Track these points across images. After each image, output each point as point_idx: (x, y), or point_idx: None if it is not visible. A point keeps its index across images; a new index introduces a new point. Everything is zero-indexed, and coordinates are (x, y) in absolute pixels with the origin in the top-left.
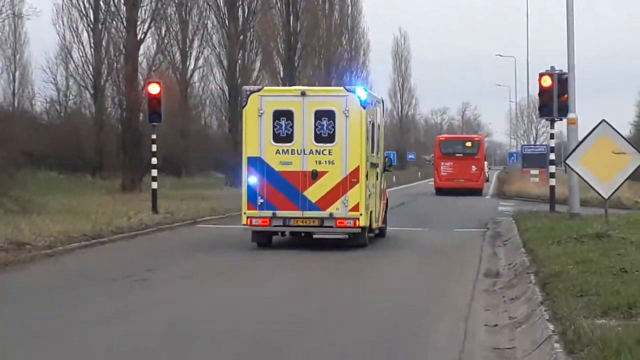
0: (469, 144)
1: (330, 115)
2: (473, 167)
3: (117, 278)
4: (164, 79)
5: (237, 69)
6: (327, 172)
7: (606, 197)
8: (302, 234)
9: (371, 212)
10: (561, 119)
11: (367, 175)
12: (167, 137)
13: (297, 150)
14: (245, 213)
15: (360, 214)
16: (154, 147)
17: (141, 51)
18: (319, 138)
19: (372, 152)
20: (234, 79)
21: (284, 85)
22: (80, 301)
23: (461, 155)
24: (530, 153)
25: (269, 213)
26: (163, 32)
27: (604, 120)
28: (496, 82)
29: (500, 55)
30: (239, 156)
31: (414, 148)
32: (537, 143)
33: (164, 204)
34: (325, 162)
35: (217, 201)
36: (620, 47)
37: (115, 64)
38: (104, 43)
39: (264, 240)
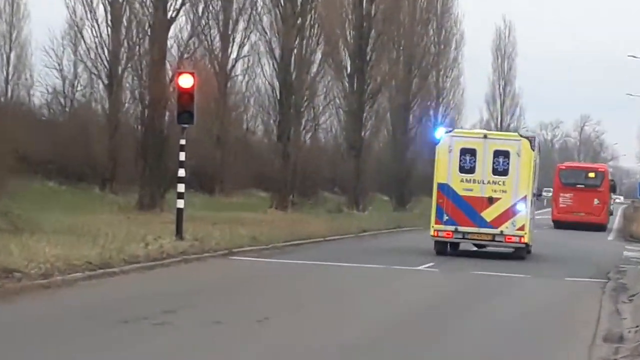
0: (592, 174)
1: (505, 154)
2: (595, 200)
3: (129, 320)
4: (198, 69)
5: (293, 60)
6: (500, 198)
7: None
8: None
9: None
10: None
11: (531, 203)
12: (199, 143)
13: (478, 180)
14: (433, 226)
15: (525, 233)
16: (182, 156)
17: (171, 33)
18: (495, 172)
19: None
20: (287, 72)
21: (350, 82)
22: (77, 348)
23: (583, 186)
24: None
25: (451, 227)
26: (200, 10)
27: None
28: (627, 90)
29: (634, 57)
30: (288, 172)
31: None
32: None
33: (192, 228)
34: (500, 190)
35: (259, 228)
36: None
37: (137, 47)
38: (124, 21)
39: (444, 250)
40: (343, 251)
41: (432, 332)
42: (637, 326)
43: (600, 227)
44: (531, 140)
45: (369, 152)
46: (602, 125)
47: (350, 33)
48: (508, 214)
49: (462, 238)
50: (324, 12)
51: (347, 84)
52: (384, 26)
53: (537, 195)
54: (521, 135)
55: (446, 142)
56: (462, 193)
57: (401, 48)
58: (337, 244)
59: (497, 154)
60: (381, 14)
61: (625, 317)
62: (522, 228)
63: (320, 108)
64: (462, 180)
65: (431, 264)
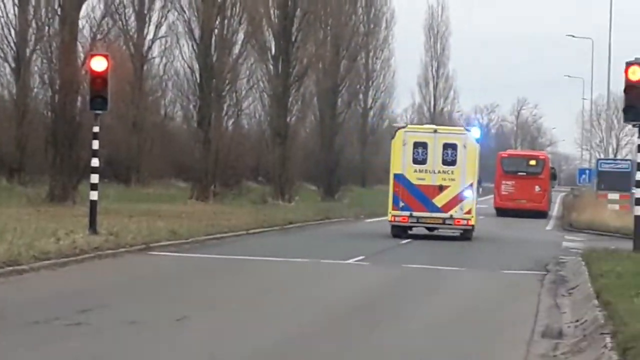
0: (533, 162)
1: (453, 147)
2: (536, 187)
3: (40, 321)
4: (112, 51)
5: (213, 41)
6: (449, 186)
7: None
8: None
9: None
10: None
11: (476, 189)
12: (114, 131)
13: (429, 170)
14: (390, 212)
15: (472, 216)
16: (96, 144)
17: (83, 12)
18: (445, 162)
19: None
20: (208, 54)
21: (275, 64)
22: None
23: (524, 174)
24: (608, 170)
25: (407, 213)
26: None
27: None
28: (565, 72)
29: (573, 36)
30: (209, 160)
31: None
32: (619, 157)
33: (107, 221)
34: (449, 179)
35: (178, 220)
36: None
37: (47, 28)
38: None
39: (400, 233)
40: (268, 244)
41: (359, 333)
42: (576, 320)
43: (542, 214)
44: (475, 134)
45: (295, 139)
46: (540, 109)
47: (274, 12)
48: (456, 200)
49: (417, 222)
50: None
51: (271, 67)
52: (310, 4)
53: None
54: (467, 129)
55: (400, 136)
56: (415, 182)
57: (328, 28)
58: (261, 237)
59: (445, 146)
60: None
61: (565, 311)
62: (469, 212)
63: (243, 92)
64: (415, 171)
65: (361, 257)
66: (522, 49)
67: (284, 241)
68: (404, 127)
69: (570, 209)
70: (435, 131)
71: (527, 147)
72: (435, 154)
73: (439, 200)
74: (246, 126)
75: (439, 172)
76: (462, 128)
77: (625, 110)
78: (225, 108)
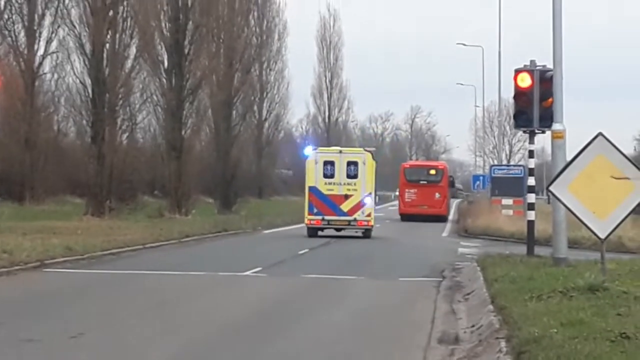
0: (432, 171)
1: (355, 163)
2: (437, 194)
3: None
4: (1, 67)
5: (105, 55)
6: (353, 195)
7: (602, 237)
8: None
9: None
10: (544, 132)
11: (374, 197)
12: (6, 147)
13: (337, 182)
14: (307, 217)
15: (371, 219)
16: None
17: None
18: (349, 176)
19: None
20: (100, 69)
21: (168, 77)
22: None
23: (425, 182)
24: (501, 176)
25: (319, 217)
26: (2, 3)
27: (600, 134)
28: (457, 80)
29: (464, 45)
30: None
31: None
32: (512, 163)
33: (0, 239)
34: (352, 189)
35: (74, 237)
36: (624, 36)
37: None
38: None
39: (315, 233)
40: (165, 259)
41: (252, 346)
42: (472, 326)
43: (442, 218)
44: (372, 152)
45: (191, 152)
46: (434, 117)
47: (166, 26)
48: (359, 206)
49: (328, 224)
50: (138, 4)
51: (164, 80)
52: (202, 17)
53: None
54: (365, 150)
55: (313, 156)
56: (326, 192)
57: (221, 40)
58: (158, 251)
59: (349, 163)
60: (198, 4)
61: (461, 317)
62: (369, 215)
63: (137, 106)
64: (325, 183)
65: (259, 268)
66: (415, 58)
67: (181, 255)
68: (316, 150)
69: (465, 215)
70: (340, 152)
71: (422, 155)
72: (341, 170)
73: (345, 206)
74: (141, 140)
75: (344, 184)
76: (361, 149)
77: (515, 117)
78: (119, 122)
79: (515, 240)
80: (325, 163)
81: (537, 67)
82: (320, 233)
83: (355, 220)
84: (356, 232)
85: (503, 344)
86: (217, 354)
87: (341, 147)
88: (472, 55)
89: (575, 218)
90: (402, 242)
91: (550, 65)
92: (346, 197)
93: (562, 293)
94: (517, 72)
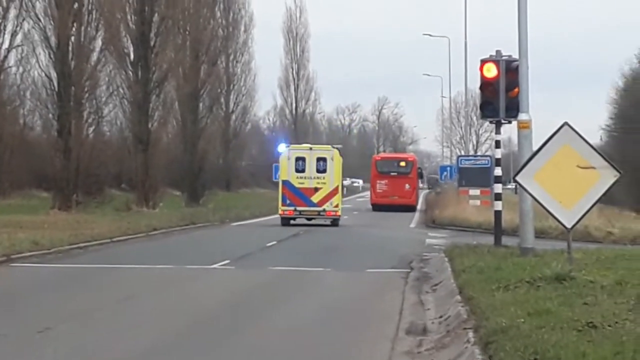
0: (402, 163)
1: (324, 160)
2: (406, 185)
3: None
4: None
5: (70, 48)
6: (322, 187)
7: (569, 226)
8: (307, 219)
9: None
10: (510, 122)
11: (341, 190)
12: None
13: (307, 177)
14: (280, 208)
15: (338, 209)
16: None
17: None
18: (318, 171)
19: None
20: (65, 62)
21: (134, 70)
22: None
23: (395, 174)
24: (468, 167)
25: (292, 208)
26: None
27: (566, 124)
28: (424, 71)
29: (430, 35)
30: (71, 169)
31: None
32: (478, 153)
33: None
34: (322, 183)
35: (40, 231)
36: (592, 27)
37: None
38: None
39: (287, 222)
40: (132, 252)
41: (219, 339)
42: (440, 317)
43: (411, 208)
44: (339, 149)
45: (158, 145)
46: (401, 108)
47: (131, 18)
48: (328, 197)
49: (299, 214)
50: None
51: (130, 73)
52: (168, 9)
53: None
54: (333, 147)
55: (286, 153)
56: (298, 185)
57: (187, 32)
58: (126, 244)
59: (318, 159)
60: None
61: (429, 307)
62: (336, 206)
63: (103, 99)
64: (297, 177)
65: (226, 261)
66: (382, 49)
67: (148, 248)
68: (288, 146)
69: (433, 206)
70: (310, 149)
71: (390, 146)
72: (311, 165)
73: (315, 198)
74: (108, 133)
75: (314, 178)
76: (329, 146)
77: (481, 107)
78: (85, 116)
79: (483, 230)
80: (297, 159)
81: (503, 58)
82: (292, 222)
83: (324, 210)
84: (325, 221)
85: (471, 334)
86: (186, 347)
87: (311, 143)
88: (439, 46)
89: (542, 208)
90: (370, 233)
91: (516, 56)
92: (316, 189)
93: (529, 283)
94: (483, 62)
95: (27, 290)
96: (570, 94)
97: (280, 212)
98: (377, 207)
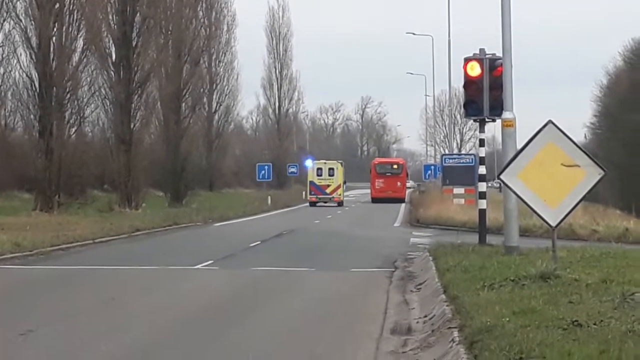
0: (395, 166)
1: (333, 168)
2: (398, 182)
3: None
4: None
5: (52, 49)
6: (331, 184)
7: (554, 224)
8: (322, 203)
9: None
10: (494, 120)
11: (343, 186)
12: None
13: (323, 178)
14: (309, 196)
15: (342, 196)
16: None
17: None
18: (329, 175)
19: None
20: (47, 63)
21: (116, 70)
22: None
23: (390, 174)
24: (452, 165)
25: (315, 196)
26: None
27: (550, 122)
28: (407, 70)
29: (413, 34)
30: (52, 170)
31: (297, 158)
32: (463, 152)
33: None
34: (331, 182)
35: (22, 232)
36: (575, 24)
37: None
38: None
39: (314, 204)
40: (115, 253)
41: (204, 340)
42: (425, 316)
43: (401, 200)
44: (341, 163)
45: (140, 145)
46: (384, 107)
47: (113, 18)
48: (335, 190)
49: (319, 200)
50: None
51: (112, 73)
52: (150, 10)
53: (345, 183)
54: (338, 161)
55: (312, 165)
56: (318, 183)
57: (169, 32)
58: (108, 245)
59: (329, 168)
60: None
61: (413, 307)
62: (340, 194)
63: (85, 100)
64: (317, 178)
65: (210, 262)
66: (365, 48)
67: (131, 249)
68: (314, 161)
69: (417, 205)
70: (325, 163)
71: (373, 145)
72: (325, 172)
73: (328, 190)
74: (89, 134)
75: (327, 178)
76: (336, 161)
77: (465, 106)
78: (67, 116)
79: (467, 229)
80: (318, 168)
81: (487, 56)
82: (317, 205)
83: (333, 197)
84: (333, 203)
85: (456, 333)
86: (169, 348)
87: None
88: (422, 45)
89: (526, 206)
90: (354, 232)
91: (499, 54)
92: (328, 186)
93: (514, 281)
94: (467, 60)
95: (8, 292)
96: (554, 93)
97: (309, 198)
98: (375, 200)
